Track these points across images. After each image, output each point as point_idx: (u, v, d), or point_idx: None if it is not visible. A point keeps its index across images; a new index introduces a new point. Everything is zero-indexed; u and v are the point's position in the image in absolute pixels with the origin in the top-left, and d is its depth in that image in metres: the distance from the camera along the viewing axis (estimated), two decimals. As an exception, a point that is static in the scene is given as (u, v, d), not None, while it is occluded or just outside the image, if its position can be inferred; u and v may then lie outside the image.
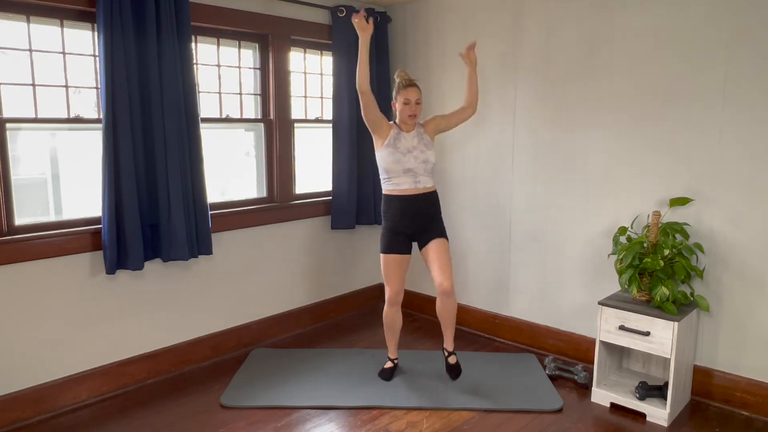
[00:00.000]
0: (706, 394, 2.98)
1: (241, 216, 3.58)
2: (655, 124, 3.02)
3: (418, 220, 3.04)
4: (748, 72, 2.71)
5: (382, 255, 3.09)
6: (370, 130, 3.04)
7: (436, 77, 4.01)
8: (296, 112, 3.92)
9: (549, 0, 3.36)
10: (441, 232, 3.10)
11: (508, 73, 3.61)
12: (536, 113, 3.51)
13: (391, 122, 3.06)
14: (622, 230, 2.98)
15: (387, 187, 3.06)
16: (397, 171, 2.99)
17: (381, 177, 3.09)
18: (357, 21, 2.80)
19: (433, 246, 3.06)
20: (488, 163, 3.77)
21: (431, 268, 3.08)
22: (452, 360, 3.18)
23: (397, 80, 3.01)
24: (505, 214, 3.74)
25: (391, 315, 3.18)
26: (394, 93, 3.03)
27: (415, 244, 3.16)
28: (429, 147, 3.04)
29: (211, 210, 3.34)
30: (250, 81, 3.70)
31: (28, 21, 2.72)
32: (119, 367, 3.09)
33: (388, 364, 3.27)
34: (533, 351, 3.65)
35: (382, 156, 3.01)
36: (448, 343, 3.20)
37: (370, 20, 2.85)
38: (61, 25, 2.82)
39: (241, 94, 3.61)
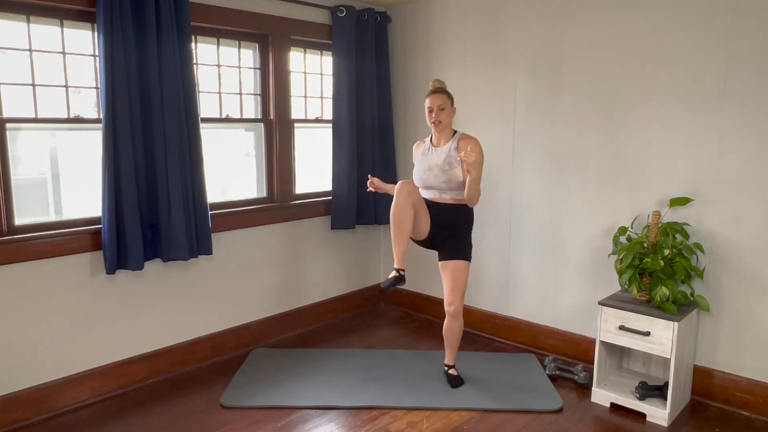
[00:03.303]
0: (706, 394, 2.98)
1: (241, 216, 3.57)
2: (656, 123, 3.02)
3: (445, 222, 2.98)
4: (748, 72, 2.71)
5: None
6: None
7: (436, 77, 4.00)
8: (296, 112, 3.92)
9: (549, 0, 3.36)
10: (464, 254, 3.01)
11: (508, 73, 3.60)
12: (536, 113, 3.50)
13: (426, 138, 3.08)
14: (622, 230, 2.98)
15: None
16: (420, 185, 3.01)
17: None
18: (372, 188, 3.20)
19: (453, 266, 3.00)
20: (488, 163, 3.76)
21: (444, 286, 3.06)
22: (453, 372, 3.19)
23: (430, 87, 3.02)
24: (505, 214, 3.74)
25: (400, 208, 2.79)
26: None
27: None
28: (454, 167, 2.90)
29: (211, 210, 3.34)
30: (250, 81, 3.70)
31: (28, 21, 2.72)
32: (119, 367, 3.09)
33: (393, 273, 2.85)
34: (533, 351, 3.64)
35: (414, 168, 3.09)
36: (450, 359, 3.20)
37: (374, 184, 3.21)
38: (61, 25, 2.82)
39: (241, 94, 3.61)
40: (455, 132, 3.01)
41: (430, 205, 2.99)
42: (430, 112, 2.94)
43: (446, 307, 3.05)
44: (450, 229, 3.00)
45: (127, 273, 3.08)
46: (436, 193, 2.99)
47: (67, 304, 2.89)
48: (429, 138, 3.07)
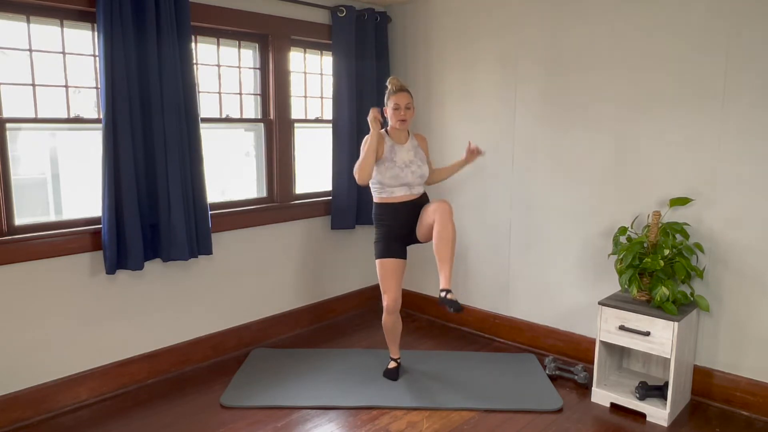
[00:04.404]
0: (706, 394, 2.99)
1: (241, 216, 3.57)
2: (656, 124, 3.02)
3: (412, 221, 3.06)
4: (749, 72, 2.71)
5: (378, 261, 3.07)
6: None
7: (436, 77, 4.01)
8: (296, 112, 3.92)
9: (549, 0, 3.36)
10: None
11: (508, 73, 3.60)
12: (536, 113, 3.50)
13: (382, 130, 3.05)
14: (622, 230, 2.98)
15: (381, 196, 3.06)
16: (393, 184, 3.00)
17: (373, 186, 3.08)
18: (371, 118, 2.92)
19: (434, 206, 2.89)
20: (488, 163, 3.76)
21: (428, 218, 2.91)
22: (452, 296, 2.75)
23: (389, 86, 3.03)
24: (505, 214, 3.74)
25: (392, 321, 3.16)
26: (385, 99, 3.04)
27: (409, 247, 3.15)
28: (424, 161, 3.09)
29: (211, 210, 3.34)
30: (250, 81, 3.70)
31: (28, 21, 2.71)
32: (119, 367, 3.09)
33: (392, 364, 3.26)
34: (533, 351, 3.65)
35: (379, 170, 3.00)
36: (445, 281, 2.80)
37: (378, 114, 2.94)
38: (61, 25, 2.82)
39: (241, 94, 3.61)
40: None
41: (401, 205, 3.02)
42: (397, 109, 2.97)
43: (434, 213, 2.84)
44: (418, 215, 3.07)
45: (127, 273, 3.08)
46: (406, 190, 3.02)
47: (67, 304, 2.89)
48: (384, 130, 3.06)
